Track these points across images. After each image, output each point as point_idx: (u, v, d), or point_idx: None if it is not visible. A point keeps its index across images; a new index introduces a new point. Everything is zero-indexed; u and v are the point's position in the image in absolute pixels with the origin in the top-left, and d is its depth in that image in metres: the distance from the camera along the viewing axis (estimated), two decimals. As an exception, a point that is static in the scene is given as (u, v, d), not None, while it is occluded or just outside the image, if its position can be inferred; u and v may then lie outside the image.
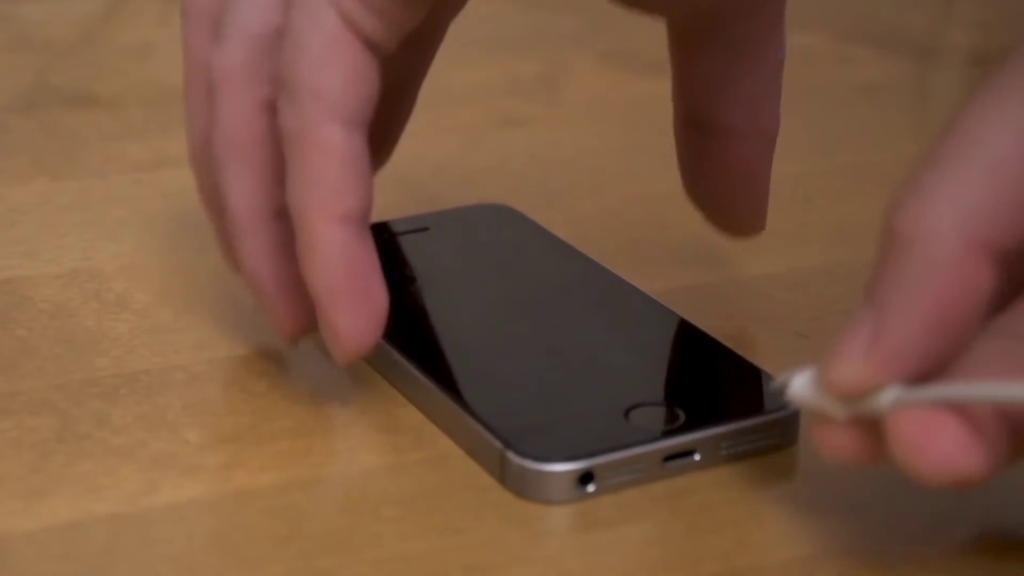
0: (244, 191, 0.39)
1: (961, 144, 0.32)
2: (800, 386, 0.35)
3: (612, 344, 0.43)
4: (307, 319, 0.39)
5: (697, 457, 0.38)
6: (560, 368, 0.41)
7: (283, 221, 0.39)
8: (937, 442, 0.32)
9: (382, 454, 0.39)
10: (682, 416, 0.39)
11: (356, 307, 0.38)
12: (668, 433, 0.38)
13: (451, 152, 0.59)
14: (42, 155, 0.57)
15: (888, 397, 0.33)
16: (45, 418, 0.40)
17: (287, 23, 0.37)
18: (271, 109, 0.39)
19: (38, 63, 0.67)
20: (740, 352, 0.42)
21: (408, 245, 0.47)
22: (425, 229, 0.48)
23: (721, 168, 0.45)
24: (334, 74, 0.37)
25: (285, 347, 0.43)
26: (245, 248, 0.40)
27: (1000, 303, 0.34)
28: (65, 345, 0.44)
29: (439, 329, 0.43)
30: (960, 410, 0.33)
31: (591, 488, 0.37)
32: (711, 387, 0.41)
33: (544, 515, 0.37)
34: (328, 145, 0.37)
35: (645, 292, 0.45)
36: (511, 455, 0.38)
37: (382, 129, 0.39)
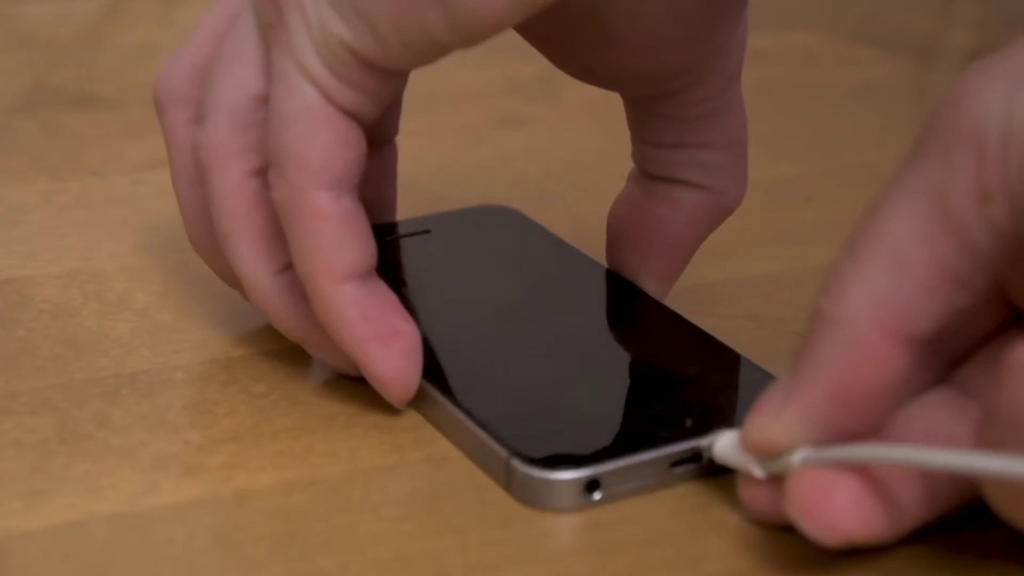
0: (250, 255, 0.40)
1: (871, 236, 0.34)
2: (724, 445, 0.37)
3: (616, 347, 0.43)
4: None
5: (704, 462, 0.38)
6: (564, 372, 0.41)
7: (290, 272, 0.40)
8: (829, 504, 0.34)
9: (382, 454, 0.39)
10: (688, 420, 0.39)
11: (386, 347, 0.39)
12: (675, 438, 0.38)
13: (451, 152, 0.59)
14: (42, 155, 0.57)
15: (798, 456, 0.35)
16: (46, 418, 0.40)
17: (270, 100, 0.39)
18: (260, 175, 0.40)
19: (38, 63, 0.67)
20: (740, 353, 0.42)
21: (410, 248, 0.47)
22: (427, 232, 0.48)
23: (664, 211, 0.44)
24: (317, 145, 0.38)
25: (285, 347, 0.43)
26: (270, 308, 0.41)
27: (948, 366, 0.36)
28: (66, 345, 0.44)
29: (442, 333, 0.42)
30: (864, 471, 0.34)
31: (597, 496, 0.37)
32: (716, 390, 0.41)
33: (545, 515, 0.37)
34: (318, 211, 0.38)
35: (648, 293, 0.45)
36: (516, 463, 0.37)
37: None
